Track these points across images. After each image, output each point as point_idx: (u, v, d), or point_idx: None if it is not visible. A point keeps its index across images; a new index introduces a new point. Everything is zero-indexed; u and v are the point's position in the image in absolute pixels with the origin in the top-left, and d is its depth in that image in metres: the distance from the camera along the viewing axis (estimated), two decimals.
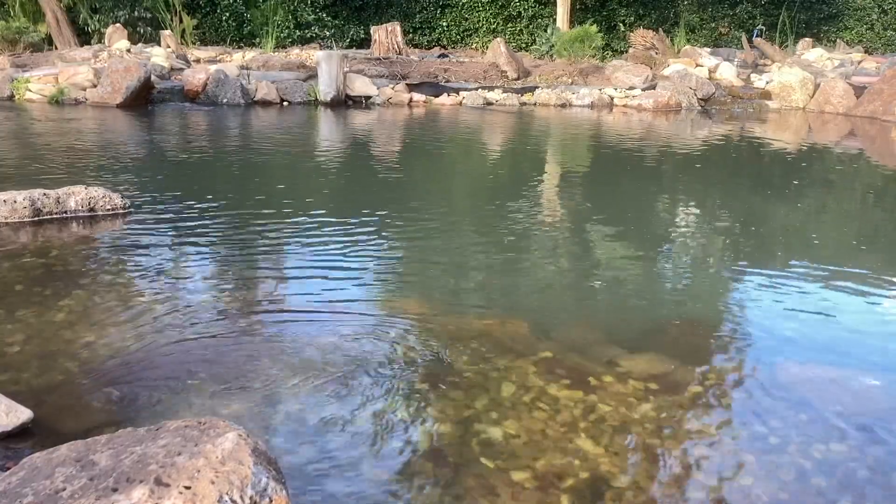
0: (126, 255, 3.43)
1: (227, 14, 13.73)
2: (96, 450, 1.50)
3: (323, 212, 4.38)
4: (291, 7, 13.72)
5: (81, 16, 12.67)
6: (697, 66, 12.08)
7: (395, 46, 12.14)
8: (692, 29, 15.74)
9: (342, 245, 3.72)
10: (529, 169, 6.36)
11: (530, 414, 2.12)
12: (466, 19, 15.49)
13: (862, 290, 3.30)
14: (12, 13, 12.23)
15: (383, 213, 4.35)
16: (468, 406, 2.15)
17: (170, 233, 3.79)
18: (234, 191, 4.82)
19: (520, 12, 15.46)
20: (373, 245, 3.77)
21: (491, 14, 15.44)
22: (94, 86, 8.96)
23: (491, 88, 10.77)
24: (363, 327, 2.68)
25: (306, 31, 13.93)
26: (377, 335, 2.61)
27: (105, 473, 1.41)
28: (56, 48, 11.78)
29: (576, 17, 14.60)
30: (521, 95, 10.68)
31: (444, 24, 15.43)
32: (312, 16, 13.97)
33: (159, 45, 11.62)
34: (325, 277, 3.25)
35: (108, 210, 4.03)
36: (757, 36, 15.24)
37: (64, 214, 3.93)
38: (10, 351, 2.39)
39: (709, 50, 13.45)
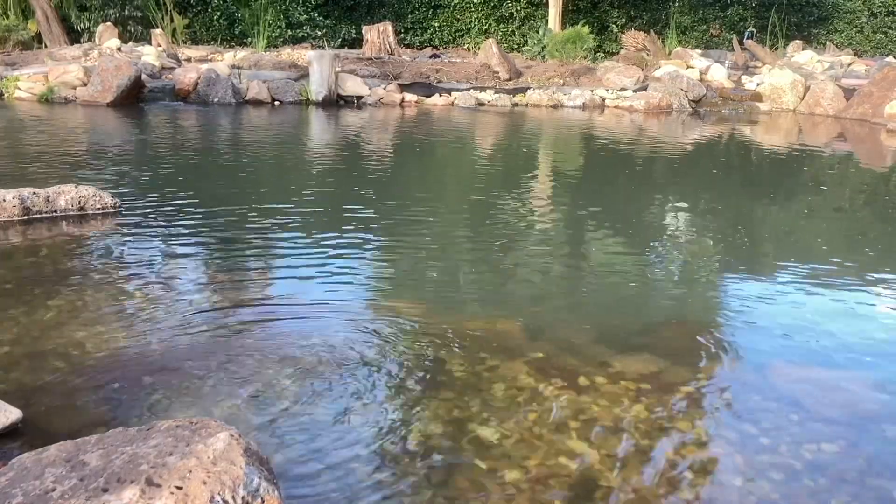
0: (116, 255, 3.41)
1: (219, 13, 13.68)
2: (86, 450, 1.49)
3: (314, 211, 4.37)
4: (283, 6, 13.69)
5: (72, 14, 12.59)
6: (689, 67, 12.13)
7: (387, 46, 12.13)
8: (683, 31, 15.80)
9: (333, 244, 3.72)
10: (521, 170, 6.36)
11: (522, 414, 2.12)
12: (458, 20, 15.49)
13: (853, 291, 3.32)
14: (1, 10, 12.15)
15: (374, 213, 4.34)
16: (460, 406, 2.15)
17: (160, 232, 3.78)
18: (225, 190, 4.80)
19: (512, 13, 15.47)
20: (364, 245, 3.77)
21: (483, 15, 15.44)
22: (85, 84, 8.91)
23: (483, 89, 10.77)
24: (355, 327, 2.67)
25: (298, 30, 13.89)
26: (369, 335, 2.60)
27: (95, 474, 1.40)
28: (46, 46, 11.70)
29: (568, 19, 14.62)
30: (513, 96, 10.70)
31: (436, 24, 15.42)
32: (304, 15, 13.94)
33: (150, 44, 11.57)
34: (317, 277, 3.24)
35: (99, 209, 4.01)
36: (748, 38, 15.32)
37: (54, 213, 3.91)
38: None
39: (700, 52, 13.52)
